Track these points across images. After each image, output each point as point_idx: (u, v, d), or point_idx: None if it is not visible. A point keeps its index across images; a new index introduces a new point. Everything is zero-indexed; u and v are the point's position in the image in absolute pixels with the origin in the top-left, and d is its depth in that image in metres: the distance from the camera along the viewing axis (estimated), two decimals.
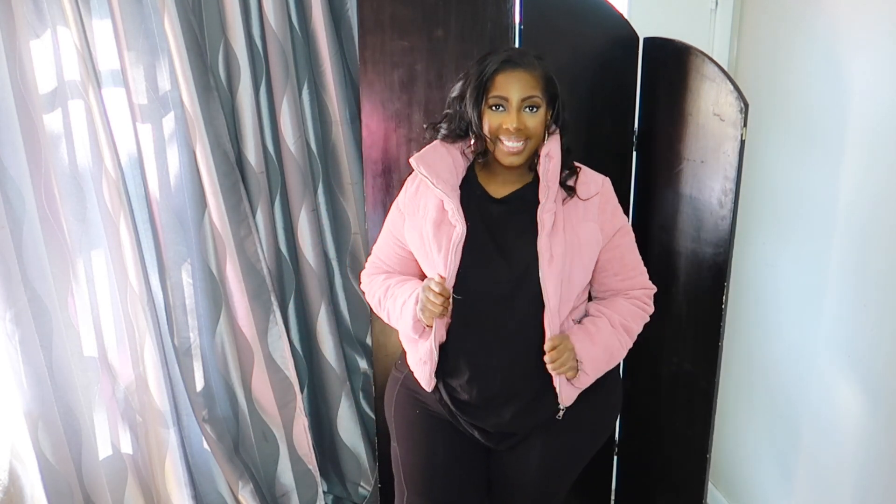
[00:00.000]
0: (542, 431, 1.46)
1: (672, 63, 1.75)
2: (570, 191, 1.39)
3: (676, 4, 2.06)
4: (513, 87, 1.30)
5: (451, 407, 1.45)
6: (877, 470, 1.61)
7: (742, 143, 1.53)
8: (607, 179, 1.45)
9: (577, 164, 1.44)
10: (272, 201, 2.02)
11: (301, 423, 2.10)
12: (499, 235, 1.38)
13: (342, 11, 1.92)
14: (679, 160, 1.75)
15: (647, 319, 1.50)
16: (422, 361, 1.44)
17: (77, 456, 1.82)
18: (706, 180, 1.66)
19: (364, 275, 1.60)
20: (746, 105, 1.51)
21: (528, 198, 1.39)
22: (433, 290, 1.31)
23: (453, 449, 1.51)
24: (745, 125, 1.52)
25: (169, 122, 1.83)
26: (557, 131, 1.39)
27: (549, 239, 1.34)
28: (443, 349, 1.42)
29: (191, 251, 1.93)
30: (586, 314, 1.47)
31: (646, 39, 1.85)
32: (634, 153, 1.93)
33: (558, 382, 1.39)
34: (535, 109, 1.32)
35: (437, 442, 1.51)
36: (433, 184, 1.37)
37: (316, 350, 2.15)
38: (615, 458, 2.21)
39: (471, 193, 1.42)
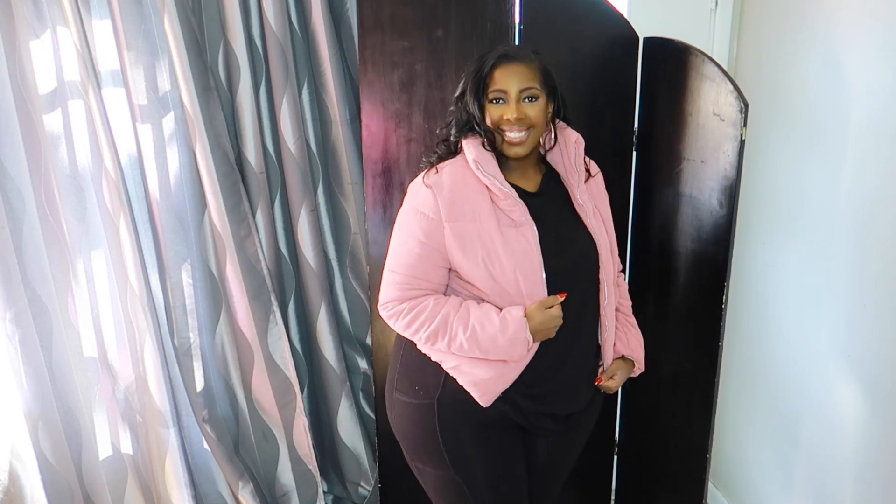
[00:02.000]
0: (586, 416, 1.55)
1: (672, 63, 1.75)
2: (587, 172, 1.48)
3: (676, 4, 2.06)
4: (511, 79, 1.33)
5: (522, 404, 1.41)
6: (876, 469, 1.61)
7: (742, 143, 1.53)
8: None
9: None
10: (272, 201, 2.02)
11: (301, 423, 2.10)
12: (552, 227, 1.40)
13: (342, 11, 1.92)
14: (679, 160, 1.75)
15: None
16: (497, 377, 1.37)
17: (77, 456, 1.82)
18: (706, 180, 1.66)
19: (392, 302, 1.40)
20: (746, 105, 1.51)
21: (554, 187, 1.45)
22: (555, 311, 1.35)
23: (516, 449, 1.48)
24: (745, 125, 1.52)
25: (169, 123, 1.83)
26: (566, 124, 1.45)
27: (594, 221, 1.44)
28: None
29: (191, 251, 1.93)
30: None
31: (646, 39, 1.85)
32: (634, 153, 1.93)
33: (604, 347, 1.52)
34: (534, 100, 1.35)
35: (507, 450, 1.46)
36: (500, 184, 1.35)
37: (316, 350, 2.15)
38: (615, 458, 2.21)
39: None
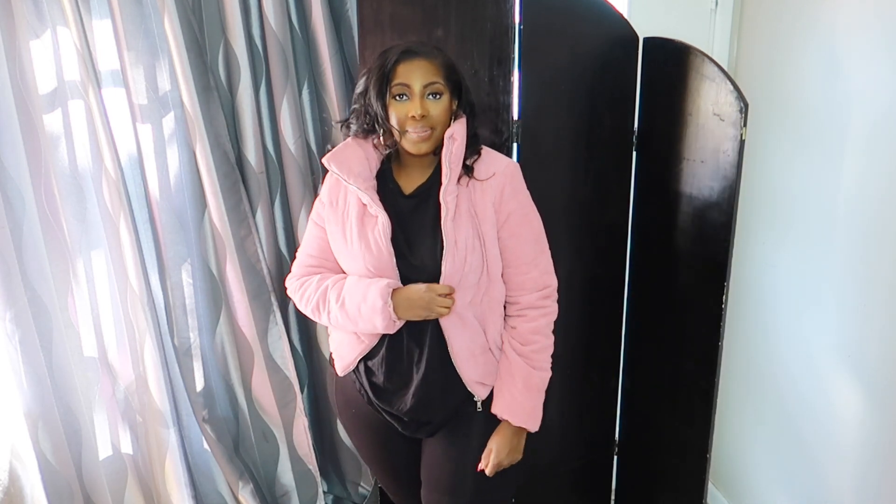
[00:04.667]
0: (461, 422, 1.46)
1: (672, 63, 1.75)
2: (469, 170, 1.39)
3: (676, 4, 2.06)
4: (414, 74, 1.32)
5: (369, 393, 1.47)
6: (876, 469, 1.61)
7: (742, 142, 1.53)
8: (516, 165, 1.45)
9: (483, 147, 1.45)
10: (272, 201, 2.02)
11: (301, 423, 2.10)
12: (407, 229, 1.40)
13: (342, 11, 1.92)
14: (679, 160, 1.75)
15: (553, 319, 1.47)
16: (348, 346, 1.46)
17: (77, 456, 1.82)
18: (706, 180, 1.66)
19: (291, 279, 1.54)
20: (746, 105, 1.51)
21: (433, 189, 1.40)
22: (426, 292, 1.34)
23: (388, 441, 1.54)
24: (744, 125, 1.52)
25: (169, 122, 1.83)
26: (464, 116, 1.40)
27: (454, 223, 1.35)
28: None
29: (191, 251, 1.93)
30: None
31: (646, 39, 1.85)
32: (634, 153, 1.93)
33: (458, 365, 1.41)
34: (438, 97, 1.34)
35: (370, 437, 1.57)
36: (345, 180, 1.39)
37: (316, 350, 2.15)
38: (615, 458, 2.21)
39: (386, 188, 1.43)
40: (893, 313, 1.52)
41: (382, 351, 1.43)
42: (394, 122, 1.34)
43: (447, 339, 1.39)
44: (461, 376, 1.42)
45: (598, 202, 1.94)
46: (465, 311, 1.39)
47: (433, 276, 1.35)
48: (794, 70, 1.79)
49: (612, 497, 2.25)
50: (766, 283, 1.97)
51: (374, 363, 1.44)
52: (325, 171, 1.46)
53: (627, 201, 1.96)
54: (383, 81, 1.33)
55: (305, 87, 1.97)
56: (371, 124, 1.39)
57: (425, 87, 1.32)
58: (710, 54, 1.66)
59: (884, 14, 1.50)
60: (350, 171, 1.40)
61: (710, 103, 1.62)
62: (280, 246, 2.08)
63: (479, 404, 1.45)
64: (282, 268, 2.10)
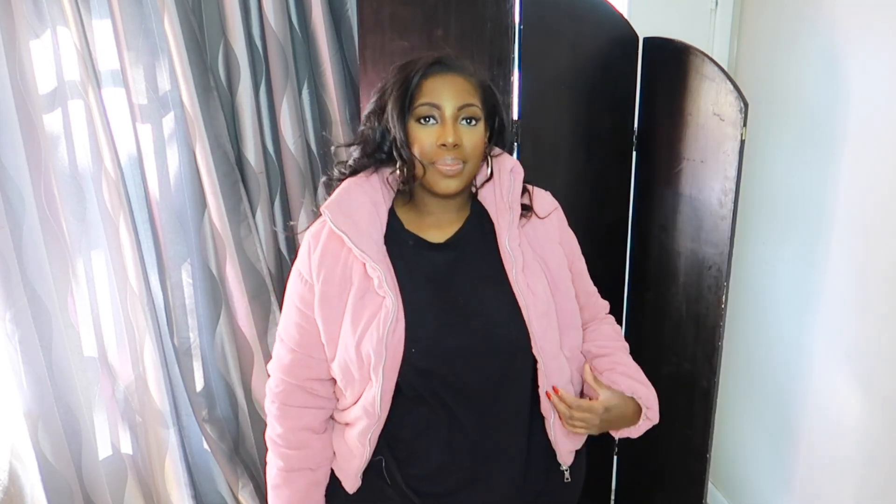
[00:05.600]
0: (549, 499, 1.21)
1: (672, 63, 1.75)
2: (527, 209, 1.16)
3: (676, 4, 2.06)
4: (446, 92, 1.04)
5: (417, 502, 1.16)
6: (876, 469, 1.61)
7: (742, 142, 1.53)
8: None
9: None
10: (272, 201, 2.02)
11: None
12: (456, 291, 1.09)
13: (342, 11, 1.92)
14: (679, 160, 1.75)
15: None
16: (351, 455, 1.17)
17: (77, 456, 1.82)
18: (706, 180, 1.66)
19: (269, 393, 1.19)
20: (746, 105, 1.51)
21: (475, 235, 1.14)
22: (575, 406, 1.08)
23: None
24: (744, 125, 1.52)
25: (169, 122, 1.83)
26: (503, 153, 1.17)
27: (526, 275, 1.10)
28: (398, 437, 1.15)
29: (191, 251, 1.93)
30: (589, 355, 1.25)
31: (646, 39, 1.85)
32: (634, 153, 1.93)
33: (554, 438, 1.16)
34: (473, 122, 1.06)
35: None
36: (356, 245, 1.06)
37: None
38: (615, 458, 2.21)
39: (402, 245, 1.12)
40: (893, 313, 1.52)
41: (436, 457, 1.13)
42: (418, 150, 1.05)
43: (549, 428, 1.15)
44: (561, 458, 1.18)
45: (598, 202, 1.94)
46: (561, 384, 1.14)
47: (509, 353, 1.09)
48: (794, 70, 1.79)
49: (612, 497, 2.25)
50: (766, 283, 1.97)
51: (426, 471, 1.16)
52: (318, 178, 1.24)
53: (627, 201, 1.96)
54: (406, 100, 1.05)
55: (305, 87, 1.97)
56: (388, 153, 1.10)
57: (459, 109, 1.04)
58: (710, 54, 1.66)
59: (883, 14, 1.50)
60: (359, 231, 1.07)
61: (710, 103, 1.62)
62: (280, 246, 2.08)
63: (567, 473, 1.21)
64: (282, 268, 2.10)
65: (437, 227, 1.14)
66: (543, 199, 1.21)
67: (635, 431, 1.21)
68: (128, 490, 1.96)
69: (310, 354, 1.15)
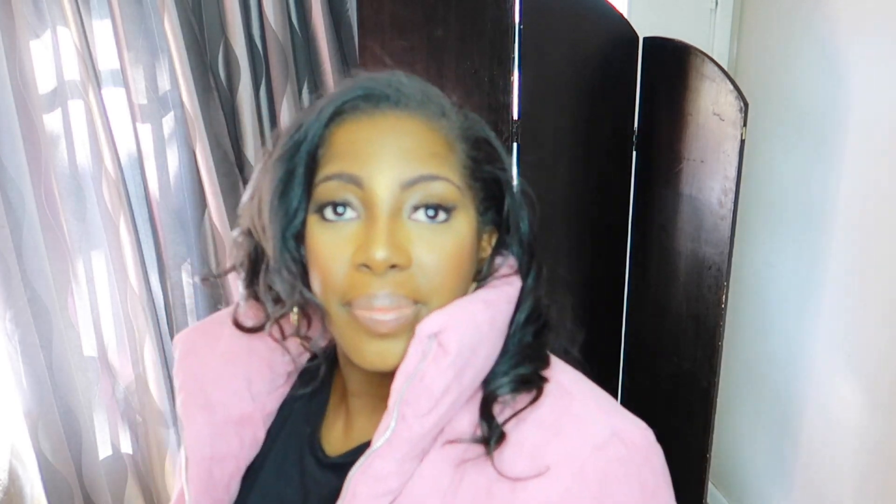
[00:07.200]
0: None
1: (672, 63, 1.75)
2: (495, 437, 0.55)
3: (676, 4, 2.06)
4: (379, 151, 0.55)
5: None
6: (876, 469, 1.61)
7: (742, 142, 1.53)
8: (645, 446, 0.58)
9: (565, 374, 0.65)
10: None
11: None
12: None
13: (342, 11, 1.92)
14: (679, 160, 1.75)
15: None
16: None
17: (77, 456, 1.82)
18: (706, 180, 1.66)
19: None
20: (746, 105, 1.51)
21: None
22: None
23: None
24: (744, 125, 1.52)
25: (169, 122, 1.83)
26: (513, 273, 0.64)
27: None
28: None
29: (191, 251, 1.93)
30: None
31: (645, 39, 1.85)
32: (634, 153, 1.93)
33: None
34: (440, 216, 0.55)
35: None
36: (190, 420, 0.63)
37: None
38: None
39: (290, 440, 0.67)
40: (893, 313, 1.52)
41: None
42: (316, 283, 0.56)
43: None
44: None
45: (598, 202, 1.94)
46: None
47: None
48: (794, 70, 1.80)
49: None
50: (766, 282, 1.97)
51: None
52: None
53: (627, 201, 1.96)
54: (296, 170, 0.57)
55: (305, 87, 1.97)
56: (257, 286, 0.62)
57: (407, 185, 0.54)
58: (710, 54, 1.66)
59: (883, 14, 1.50)
60: (209, 400, 0.64)
61: (710, 103, 1.62)
62: None
63: None
64: None
65: (355, 424, 0.63)
66: (556, 441, 0.56)
67: None
68: (128, 490, 1.96)
69: None
